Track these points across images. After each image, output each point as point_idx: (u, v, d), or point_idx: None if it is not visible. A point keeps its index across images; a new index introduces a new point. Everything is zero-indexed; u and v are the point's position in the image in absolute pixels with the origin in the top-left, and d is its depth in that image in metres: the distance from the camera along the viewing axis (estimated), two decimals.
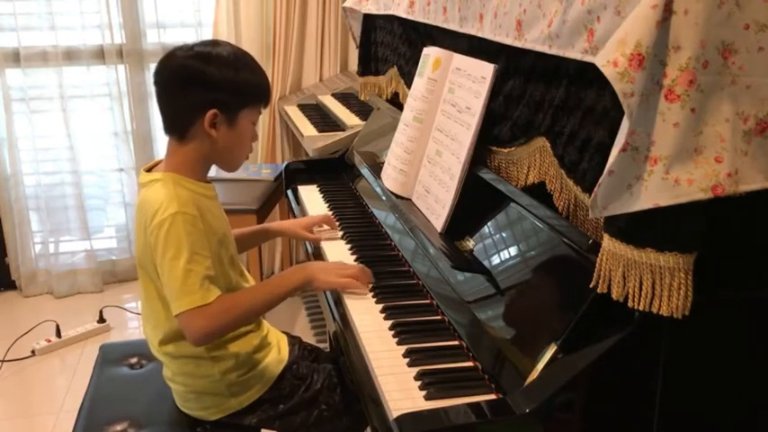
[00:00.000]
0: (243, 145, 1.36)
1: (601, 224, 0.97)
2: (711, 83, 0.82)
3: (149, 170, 1.37)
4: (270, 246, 3.40)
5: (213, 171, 1.46)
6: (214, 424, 1.42)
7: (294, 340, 1.61)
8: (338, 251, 1.64)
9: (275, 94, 3.27)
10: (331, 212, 1.89)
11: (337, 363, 1.55)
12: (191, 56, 1.29)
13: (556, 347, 0.98)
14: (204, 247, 1.28)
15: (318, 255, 1.70)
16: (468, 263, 1.30)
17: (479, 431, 0.97)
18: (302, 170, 2.22)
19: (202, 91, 1.28)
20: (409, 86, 1.81)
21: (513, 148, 1.30)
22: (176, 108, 1.32)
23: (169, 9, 3.24)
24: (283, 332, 1.59)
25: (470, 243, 1.35)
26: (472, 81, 1.43)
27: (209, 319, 1.26)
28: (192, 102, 1.29)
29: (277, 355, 1.48)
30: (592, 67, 0.88)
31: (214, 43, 1.33)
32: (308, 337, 2.40)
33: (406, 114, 1.70)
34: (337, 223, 1.78)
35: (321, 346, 1.83)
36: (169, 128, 1.34)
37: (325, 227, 1.75)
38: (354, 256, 1.59)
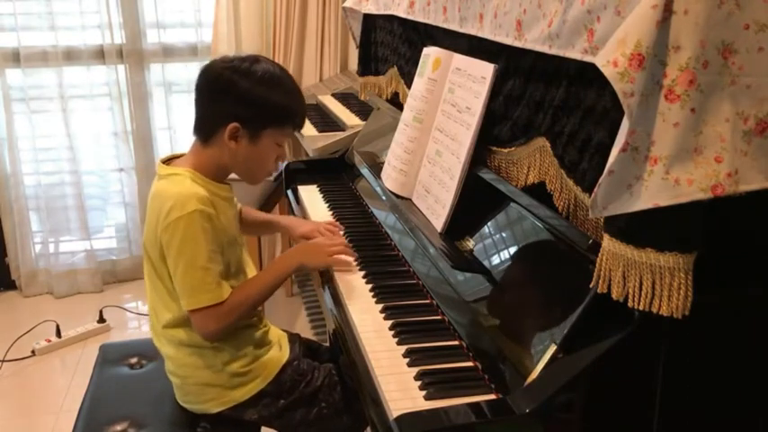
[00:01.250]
0: (263, 163, 1.39)
1: (601, 224, 0.97)
2: (711, 83, 0.82)
3: (167, 162, 1.40)
4: (270, 244, 3.40)
5: None
6: (215, 418, 1.43)
7: (294, 338, 1.62)
8: None
9: None
10: (331, 212, 1.89)
11: (337, 362, 1.55)
12: (228, 67, 1.32)
13: (556, 347, 0.98)
14: (218, 243, 1.32)
15: None
16: (468, 263, 1.30)
17: (479, 431, 0.97)
18: (302, 170, 2.22)
19: (229, 103, 1.31)
20: (409, 86, 1.81)
21: (513, 148, 1.30)
22: (204, 113, 1.36)
23: (169, 9, 3.24)
24: (283, 330, 1.60)
25: (470, 243, 1.35)
26: (472, 81, 1.43)
27: (222, 317, 1.32)
28: (218, 111, 1.33)
29: (278, 351, 1.49)
30: (592, 67, 0.88)
31: (255, 59, 1.35)
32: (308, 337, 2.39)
33: (406, 114, 1.70)
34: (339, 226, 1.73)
35: None
36: (196, 129, 1.37)
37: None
38: (353, 256, 1.58)
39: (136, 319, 3.09)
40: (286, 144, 1.42)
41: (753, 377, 1.03)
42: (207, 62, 1.37)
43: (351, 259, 1.52)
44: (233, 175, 1.42)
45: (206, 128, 1.35)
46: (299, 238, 1.66)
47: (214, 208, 1.32)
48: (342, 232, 1.72)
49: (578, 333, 0.97)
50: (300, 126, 1.41)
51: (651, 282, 0.88)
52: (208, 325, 1.33)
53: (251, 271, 1.49)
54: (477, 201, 1.38)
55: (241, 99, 1.30)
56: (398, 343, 1.22)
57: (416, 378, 1.10)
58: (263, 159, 1.38)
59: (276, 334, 1.54)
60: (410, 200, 1.63)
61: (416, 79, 1.69)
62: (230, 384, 1.42)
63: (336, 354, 1.58)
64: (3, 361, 2.73)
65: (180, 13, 3.28)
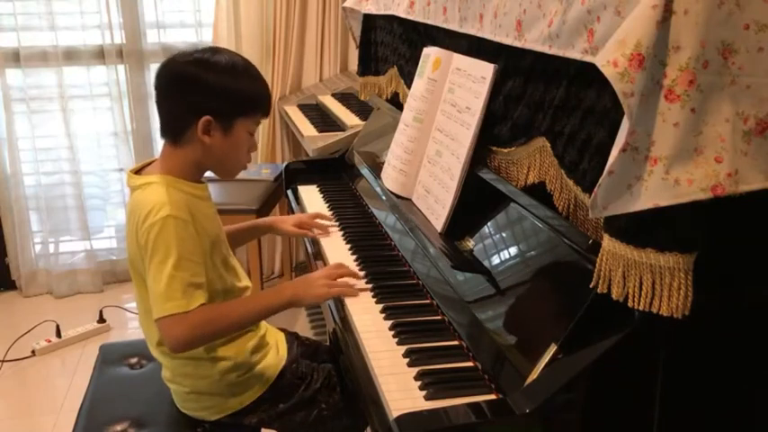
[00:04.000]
0: (238, 154, 1.35)
1: (601, 224, 0.97)
2: (711, 83, 0.82)
3: (137, 172, 1.36)
4: (269, 246, 3.40)
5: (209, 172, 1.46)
6: (214, 424, 1.42)
7: (292, 337, 1.61)
8: (338, 251, 1.64)
9: (275, 94, 3.27)
10: (331, 212, 1.89)
11: (337, 362, 1.55)
12: (189, 62, 1.29)
13: (556, 347, 0.98)
14: (195, 252, 1.27)
15: (318, 254, 1.70)
16: (469, 263, 1.30)
17: (479, 431, 0.97)
18: (302, 170, 2.22)
19: (198, 97, 1.28)
20: (409, 86, 1.81)
21: (513, 148, 1.30)
22: (172, 112, 1.32)
23: (169, 9, 3.24)
24: (281, 329, 1.59)
25: (470, 243, 1.35)
26: (472, 81, 1.43)
27: (188, 327, 1.25)
28: (187, 107, 1.29)
29: (276, 354, 1.48)
30: (592, 67, 0.88)
31: (214, 50, 1.33)
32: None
33: (406, 114, 1.70)
34: (333, 218, 1.77)
35: None
36: (165, 131, 1.34)
37: (323, 222, 1.76)
38: (354, 256, 1.59)
39: (136, 319, 3.08)
40: (256, 134, 1.40)
41: (753, 377, 1.03)
42: (163, 61, 1.32)
43: (353, 292, 1.42)
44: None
45: (176, 127, 1.31)
46: (285, 234, 1.64)
47: (192, 211, 1.28)
48: (328, 223, 1.75)
49: (578, 333, 0.97)
50: (268, 111, 1.38)
51: (651, 282, 0.88)
52: (173, 334, 1.25)
53: (238, 267, 1.48)
54: (477, 201, 1.38)
55: (209, 91, 1.27)
56: (398, 343, 1.22)
57: (416, 378, 1.10)
58: (238, 151, 1.34)
59: (273, 335, 1.52)
60: (410, 200, 1.63)
61: (416, 79, 1.69)
62: (228, 393, 1.40)
63: (336, 353, 1.58)
64: (3, 361, 2.73)
65: (180, 13, 3.28)
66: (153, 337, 1.39)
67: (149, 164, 1.38)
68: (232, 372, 1.39)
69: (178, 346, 1.27)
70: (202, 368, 1.38)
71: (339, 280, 1.42)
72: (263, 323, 1.51)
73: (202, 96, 1.27)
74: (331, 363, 1.55)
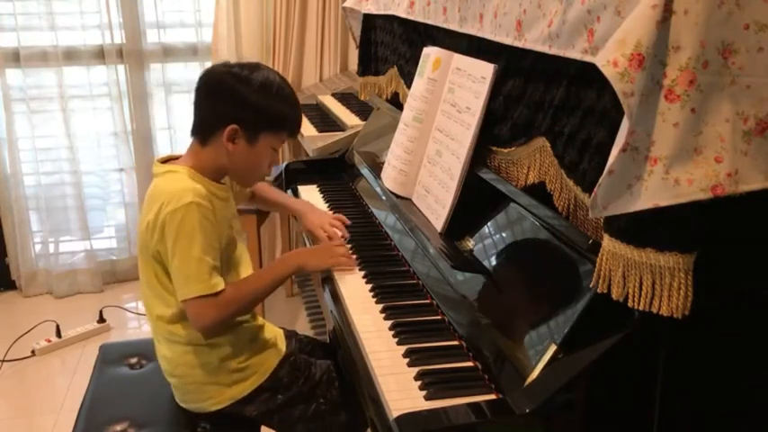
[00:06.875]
0: (258, 166, 1.42)
1: (601, 224, 0.97)
2: (711, 83, 0.82)
3: (163, 162, 1.42)
4: (270, 244, 3.40)
5: None
6: (214, 418, 1.43)
7: (290, 334, 1.63)
8: None
9: None
10: (331, 213, 1.89)
11: (335, 359, 1.55)
12: (227, 72, 1.37)
13: (556, 347, 0.98)
14: (215, 238, 1.34)
15: None
16: (469, 263, 1.30)
17: (479, 431, 0.97)
18: (302, 170, 2.23)
19: (228, 106, 1.36)
20: (409, 86, 1.81)
21: (513, 148, 1.30)
22: (203, 114, 1.40)
23: (169, 9, 3.24)
24: (280, 327, 1.60)
25: (470, 243, 1.35)
26: (472, 81, 1.43)
27: (218, 308, 1.33)
28: (217, 113, 1.37)
29: (274, 346, 1.50)
30: (592, 67, 0.88)
31: (255, 67, 1.40)
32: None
33: (406, 114, 1.70)
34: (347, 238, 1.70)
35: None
36: (195, 130, 1.41)
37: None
38: (355, 256, 1.59)
39: (136, 319, 3.09)
40: (280, 150, 1.45)
41: (752, 377, 1.04)
42: (208, 66, 1.41)
43: (352, 264, 1.54)
44: None
45: (205, 129, 1.39)
46: (306, 230, 1.70)
47: (211, 205, 1.34)
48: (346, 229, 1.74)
49: (578, 333, 0.97)
50: (295, 133, 1.46)
51: (651, 282, 0.88)
52: (202, 316, 1.32)
53: (245, 270, 1.50)
54: (477, 201, 1.38)
55: (240, 103, 1.35)
56: (398, 343, 1.22)
57: (416, 378, 1.10)
58: (259, 162, 1.41)
59: (272, 331, 1.54)
60: (410, 200, 1.63)
61: (416, 79, 1.69)
62: (228, 381, 1.42)
63: (334, 350, 1.59)
64: (3, 361, 2.73)
65: (180, 13, 3.27)
66: (156, 313, 1.41)
67: (177, 157, 1.44)
68: (231, 359, 1.42)
69: (209, 327, 1.35)
70: (202, 355, 1.40)
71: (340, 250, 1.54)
72: (261, 319, 1.52)
73: (232, 106, 1.35)
74: (330, 359, 1.55)
